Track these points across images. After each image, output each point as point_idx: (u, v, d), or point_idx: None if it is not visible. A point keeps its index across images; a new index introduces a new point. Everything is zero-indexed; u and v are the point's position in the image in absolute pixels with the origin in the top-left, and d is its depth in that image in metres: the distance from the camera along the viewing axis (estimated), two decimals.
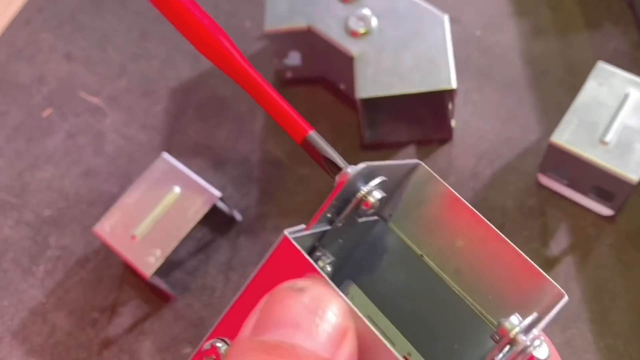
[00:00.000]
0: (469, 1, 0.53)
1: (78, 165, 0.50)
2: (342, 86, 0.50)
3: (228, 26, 0.54)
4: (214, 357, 0.20)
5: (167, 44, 0.55)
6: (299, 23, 0.46)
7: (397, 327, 0.23)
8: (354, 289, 0.24)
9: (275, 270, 0.19)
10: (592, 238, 0.43)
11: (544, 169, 0.44)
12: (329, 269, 0.21)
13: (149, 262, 0.41)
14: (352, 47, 0.45)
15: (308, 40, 0.47)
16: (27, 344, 0.44)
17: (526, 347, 0.19)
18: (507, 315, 0.19)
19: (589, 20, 0.51)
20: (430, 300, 0.23)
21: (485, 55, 0.51)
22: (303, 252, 0.19)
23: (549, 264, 0.42)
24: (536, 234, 0.43)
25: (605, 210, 0.43)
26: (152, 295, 0.44)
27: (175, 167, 0.44)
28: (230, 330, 0.20)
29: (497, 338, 0.19)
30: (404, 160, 0.22)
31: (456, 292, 0.23)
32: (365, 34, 0.45)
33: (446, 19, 0.45)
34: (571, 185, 0.43)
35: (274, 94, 0.22)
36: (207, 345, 0.20)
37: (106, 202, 0.48)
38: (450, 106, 0.46)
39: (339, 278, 0.23)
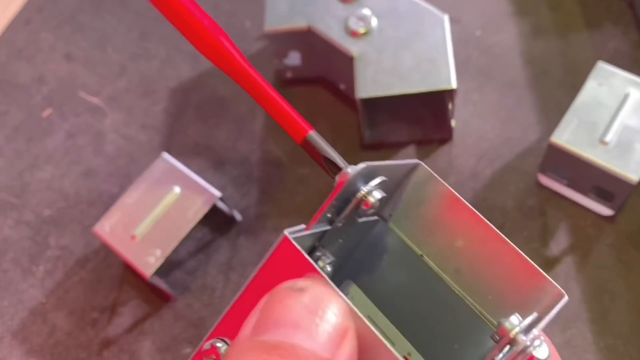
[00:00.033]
0: (469, 1, 0.53)
1: (78, 165, 0.50)
2: (342, 86, 0.50)
3: (228, 26, 0.54)
4: (214, 357, 0.20)
5: (167, 44, 0.55)
6: (299, 23, 0.46)
7: (397, 327, 0.23)
8: (354, 289, 0.24)
9: (275, 270, 0.19)
10: (592, 238, 0.43)
11: (544, 169, 0.44)
12: (329, 269, 0.21)
13: (149, 262, 0.41)
14: (352, 47, 0.45)
15: (308, 40, 0.47)
16: (27, 344, 0.44)
17: (526, 347, 0.19)
18: (507, 315, 0.19)
19: (589, 20, 0.51)
20: (430, 300, 0.23)
21: (485, 55, 0.51)
22: (303, 252, 0.19)
23: (549, 264, 0.42)
24: (536, 234, 0.43)
25: (605, 210, 0.43)
26: (152, 295, 0.44)
27: (175, 167, 0.44)
28: (230, 330, 0.20)
29: (497, 338, 0.19)
30: (404, 160, 0.22)
31: (456, 292, 0.23)
32: (365, 34, 0.45)
33: (446, 19, 0.45)
34: (571, 185, 0.43)
35: (274, 94, 0.22)
36: (207, 345, 0.20)
37: (106, 202, 0.48)
38: (450, 106, 0.46)
39: (339, 278, 0.23)
